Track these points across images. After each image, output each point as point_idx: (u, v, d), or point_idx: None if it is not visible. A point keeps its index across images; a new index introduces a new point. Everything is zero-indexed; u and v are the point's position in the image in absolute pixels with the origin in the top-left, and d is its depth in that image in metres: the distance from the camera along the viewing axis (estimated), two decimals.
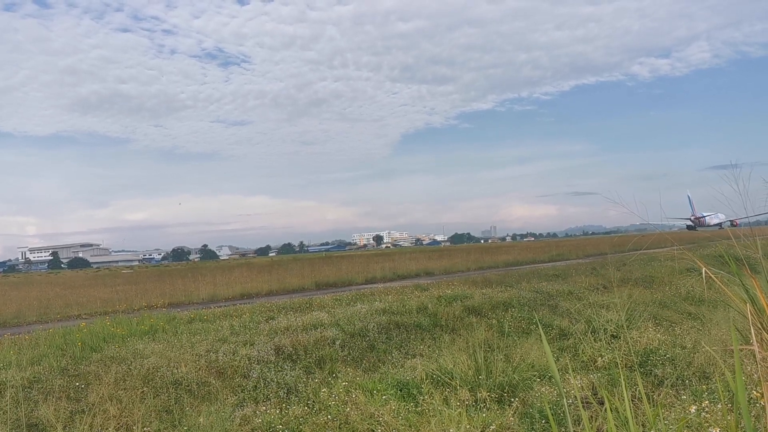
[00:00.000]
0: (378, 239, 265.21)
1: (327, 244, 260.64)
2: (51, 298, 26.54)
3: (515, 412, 7.77)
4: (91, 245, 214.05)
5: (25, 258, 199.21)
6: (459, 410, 7.51)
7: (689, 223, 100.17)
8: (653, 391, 7.83)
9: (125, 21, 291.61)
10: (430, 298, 17.41)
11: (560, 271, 26.98)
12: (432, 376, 9.34)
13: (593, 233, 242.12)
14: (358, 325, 13.37)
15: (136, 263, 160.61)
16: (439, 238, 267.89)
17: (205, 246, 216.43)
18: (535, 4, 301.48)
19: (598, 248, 51.94)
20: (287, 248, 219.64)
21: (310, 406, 8.55)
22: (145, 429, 7.95)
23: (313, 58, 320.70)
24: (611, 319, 12.36)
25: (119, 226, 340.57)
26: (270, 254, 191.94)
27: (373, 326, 13.35)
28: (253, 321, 14.96)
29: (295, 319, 14.48)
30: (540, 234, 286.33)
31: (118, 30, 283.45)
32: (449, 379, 9.05)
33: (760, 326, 4.18)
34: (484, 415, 7.59)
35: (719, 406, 5.65)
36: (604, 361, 10.05)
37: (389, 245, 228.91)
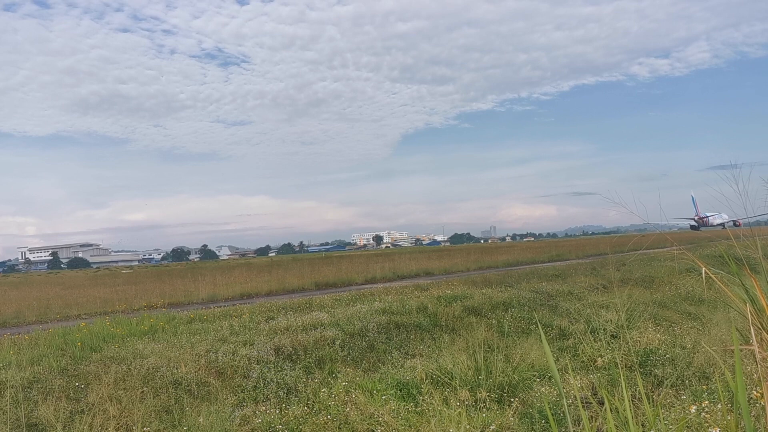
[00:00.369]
0: (378, 239, 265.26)
1: (327, 244, 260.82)
2: (51, 298, 26.54)
3: (515, 412, 7.77)
4: (91, 245, 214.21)
5: (25, 258, 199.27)
6: (459, 410, 7.51)
7: (693, 223, 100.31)
8: (653, 391, 7.84)
9: (125, 21, 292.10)
10: (430, 298, 17.41)
11: (560, 271, 26.98)
12: (432, 376, 9.33)
13: (593, 233, 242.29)
14: (358, 325, 13.36)
15: (136, 263, 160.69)
16: (438, 238, 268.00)
17: (204, 246, 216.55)
18: (534, 4, 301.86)
19: (598, 248, 51.95)
20: (287, 248, 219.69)
21: (310, 406, 8.55)
22: (144, 429, 7.94)
23: (313, 58, 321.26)
24: (611, 319, 12.36)
25: (119, 226, 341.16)
26: (270, 254, 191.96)
27: (373, 326, 13.35)
28: (252, 321, 14.95)
29: (295, 319, 14.47)
30: (540, 234, 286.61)
31: (118, 30, 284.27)
32: (449, 379, 9.05)
33: (759, 326, 4.18)
34: (484, 415, 7.59)
35: (719, 406, 5.65)
36: (603, 361, 10.05)
37: (389, 245, 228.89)
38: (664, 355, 9.78)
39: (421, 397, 8.35)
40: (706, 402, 6.14)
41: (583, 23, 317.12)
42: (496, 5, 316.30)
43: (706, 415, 5.60)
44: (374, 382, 9.57)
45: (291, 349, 11.61)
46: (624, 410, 3.55)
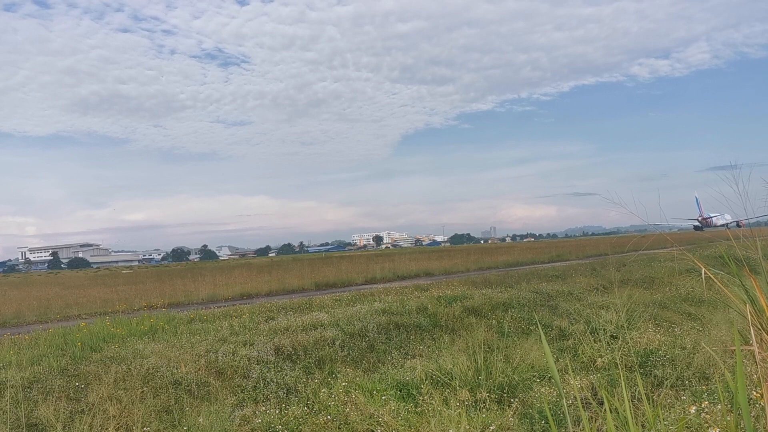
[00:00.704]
0: (378, 240, 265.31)
1: (327, 244, 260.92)
2: (51, 298, 26.54)
3: (515, 413, 7.77)
4: (91, 245, 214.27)
5: (25, 258, 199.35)
6: (459, 411, 7.51)
7: (697, 223, 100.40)
8: (653, 392, 7.84)
9: (125, 21, 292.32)
10: (430, 298, 17.40)
11: (560, 272, 26.96)
12: (432, 377, 9.33)
13: (593, 234, 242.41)
14: (358, 326, 13.36)
15: (136, 263, 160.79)
16: (438, 238, 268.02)
17: (204, 246, 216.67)
18: (534, 5, 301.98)
19: (598, 249, 51.94)
20: (287, 248, 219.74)
21: (310, 407, 8.55)
22: (144, 429, 7.95)
23: (313, 58, 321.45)
24: (611, 320, 12.35)
25: (119, 227, 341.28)
26: (270, 254, 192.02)
27: (373, 327, 13.35)
28: (252, 321, 14.95)
29: (295, 320, 14.47)
30: (540, 234, 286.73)
31: (118, 30, 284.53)
32: (449, 379, 9.05)
33: (759, 327, 4.18)
34: (483, 415, 7.59)
35: (719, 406, 5.65)
36: (603, 362, 10.05)
37: (389, 246, 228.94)
38: (664, 356, 9.78)
39: (421, 398, 8.35)
40: (706, 402, 6.15)
41: (583, 24, 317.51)
42: (496, 5, 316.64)
43: (706, 416, 5.61)
44: (374, 382, 9.57)
45: (291, 349, 11.61)
46: (624, 411, 3.55)
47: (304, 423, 7.86)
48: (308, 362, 11.04)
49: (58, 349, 12.09)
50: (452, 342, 12.20)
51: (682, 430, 5.26)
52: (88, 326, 14.67)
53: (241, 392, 9.58)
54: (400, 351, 12.16)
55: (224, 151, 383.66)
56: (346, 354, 11.71)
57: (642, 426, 4.78)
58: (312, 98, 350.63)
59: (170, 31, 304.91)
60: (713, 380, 7.67)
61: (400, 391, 9.12)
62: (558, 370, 8.65)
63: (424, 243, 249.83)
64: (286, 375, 10.16)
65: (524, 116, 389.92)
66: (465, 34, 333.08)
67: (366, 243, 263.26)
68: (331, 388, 9.22)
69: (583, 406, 3.91)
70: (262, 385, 9.77)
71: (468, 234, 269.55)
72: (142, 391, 9.04)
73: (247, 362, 10.72)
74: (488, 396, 8.38)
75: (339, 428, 7.72)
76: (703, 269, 4.50)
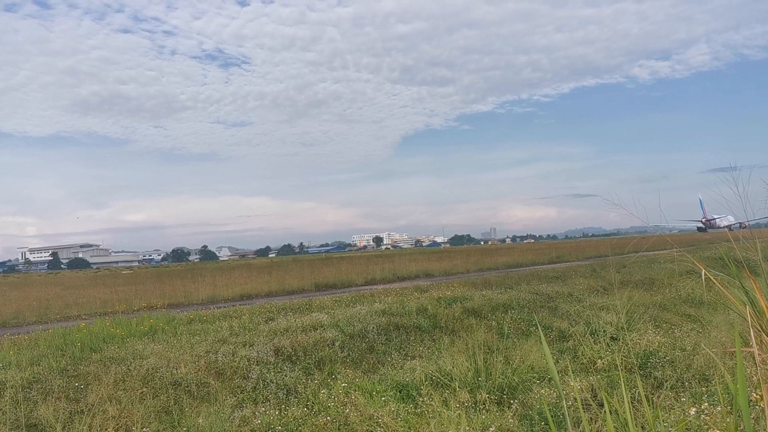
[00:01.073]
0: (378, 240, 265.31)
1: (327, 245, 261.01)
2: (50, 299, 26.54)
3: (515, 414, 7.76)
4: (91, 246, 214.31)
5: (25, 258, 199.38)
6: (458, 412, 7.51)
7: (700, 225, 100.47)
8: (653, 394, 7.83)
9: (126, 22, 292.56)
10: (430, 299, 17.39)
11: (560, 273, 26.96)
12: (431, 378, 9.33)
13: (593, 235, 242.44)
14: (358, 327, 13.35)
15: (136, 264, 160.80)
16: (439, 239, 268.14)
17: (204, 247, 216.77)
18: (534, 6, 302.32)
19: (598, 250, 51.97)
20: (287, 249, 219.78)
21: (310, 408, 8.55)
22: (144, 430, 7.94)
23: (313, 59, 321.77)
24: (611, 321, 12.35)
25: (119, 227, 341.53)
26: (270, 255, 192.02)
27: (373, 328, 13.34)
28: (252, 322, 14.94)
29: (295, 320, 14.46)
30: (540, 236, 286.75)
31: (119, 31, 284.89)
32: (449, 380, 9.05)
33: (759, 328, 4.18)
34: (483, 416, 7.58)
35: (719, 408, 5.65)
36: (603, 363, 10.04)
37: (389, 247, 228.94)
38: (664, 358, 9.77)
39: (421, 399, 8.35)
40: (706, 404, 6.15)
41: (583, 25, 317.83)
42: (496, 7, 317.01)
43: (706, 418, 5.61)
44: (374, 383, 9.56)
45: (291, 350, 11.60)
46: (624, 412, 3.55)
47: (303, 424, 7.86)
48: (308, 363, 11.04)
49: (58, 349, 12.09)
50: (452, 343, 12.19)
51: (681, 431, 5.26)
52: (88, 327, 14.66)
53: (241, 393, 9.57)
54: (399, 352, 12.16)
55: (224, 151, 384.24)
56: (345, 355, 11.71)
57: (642, 428, 4.78)
58: (312, 99, 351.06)
59: (171, 31, 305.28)
60: (713, 382, 7.67)
61: (400, 392, 9.12)
62: (558, 372, 8.65)
63: (424, 244, 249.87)
64: (285, 376, 10.15)
65: (524, 117, 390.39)
66: (465, 35, 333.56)
67: (366, 244, 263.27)
68: (330, 389, 9.21)
69: (582, 408, 3.91)
70: (261, 385, 9.76)
71: (468, 235, 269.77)
72: (142, 392, 9.03)
73: (247, 363, 10.72)
74: (488, 397, 8.38)
75: (338, 429, 7.71)
76: (703, 271, 4.50)
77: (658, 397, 7.35)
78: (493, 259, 47.57)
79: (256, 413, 8.39)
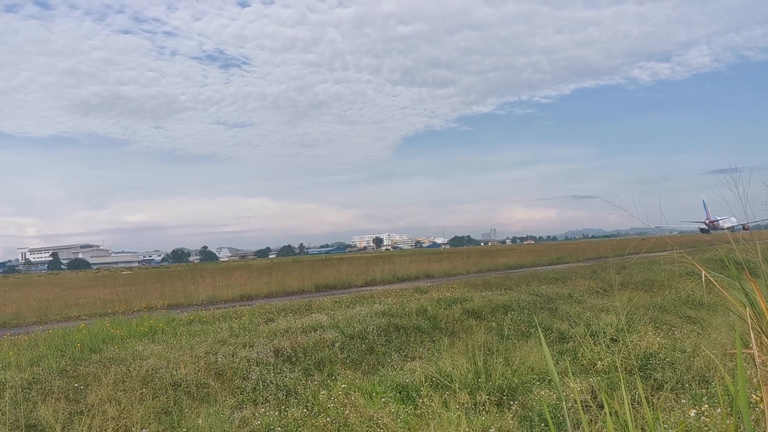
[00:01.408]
0: (378, 242, 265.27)
1: (327, 246, 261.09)
2: (50, 299, 26.55)
3: (514, 416, 7.75)
4: (91, 246, 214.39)
5: (25, 259, 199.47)
6: (458, 413, 7.50)
7: (704, 226, 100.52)
8: (653, 395, 7.82)
9: (126, 23, 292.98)
10: (430, 300, 17.39)
11: (560, 275, 26.95)
12: (431, 379, 9.32)
13: (593, 236, 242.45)
14: (358, 328, 13.35)
15: (136, 264, 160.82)
16: (439, 240, 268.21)
17: (204, 248, 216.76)
18: (535, 7, 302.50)
19: (598, 251, 51.97)
20: (287, 250, 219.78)
21: (309, 409, 8.54)
22: (143, 430, 7.93)
23: (314, 60, 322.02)
24: (611, 323, 12.33)
25: (119, 228, 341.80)
26: (270, 256, 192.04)
27: (373, 329, 13.34)
28: (252, 323, 14.94)
29: (295, 321, 14.47)
30: (540, 237, 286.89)
31: (119, 32, 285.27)
32: (448, 382, 9.04)
33: (759, 330, 4.18)
34: (483, 418, 7.58)
35: (719, 410, 5.65)
36: (603, 365, 10.04)
37: (389, 248, 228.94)
38: (664, 359, 9.77)
39: (421, 400, 8.34)
40: (706, 406, 6.15)
41: (583, 26, 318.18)
42: (496, 8, 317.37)
43: (706, 419, 5.61)
44: (373, 384, 9.56)
45: (290, 350, 11.60)
46: (624, 414, 3.55)
47: (303, 425, 7.85)
48: (308, 364, 11.03)
49: (58, 350, 12.09)
50: (452, 344, 12.18)
51: None
52: (88, 327, 14.67)
53: (241, 394, 9.56)
54: (399, 353, 12.15)
55: (225, 152, 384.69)
56: (345, 356, 11.70)
57: (642, 429, 4.78)
58: (313, 100, 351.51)
59: (171, 32, 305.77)
60: (713, 383, 7.66)
61: (400, 393, 9.11)
62: (558, 373, 8.64)
63: (424, 245, 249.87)
64: (285, 377, 10.15)
65: (525, 119, 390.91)
66: (465, 36, 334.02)
67: (366, 245, 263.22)
68: (330, 390, 9.21)
69: (582, 409, 3.90)
70: (261, 386, 9.75)
71: (468, 236, 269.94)
72: (142, 393, 9.03)
73: (247, 364, 10.71)
74: (488, 399, 8.37)
75: (338, 430, 7.70)
76: (703, 272, 4.50)
77: (658, 398, 7.35)
78: (493, 260, 47.57)
79: (256, 414, 8.39)
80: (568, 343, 12.18)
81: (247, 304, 21.65)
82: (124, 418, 8.16)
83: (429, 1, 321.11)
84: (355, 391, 8.99)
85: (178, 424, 8.16)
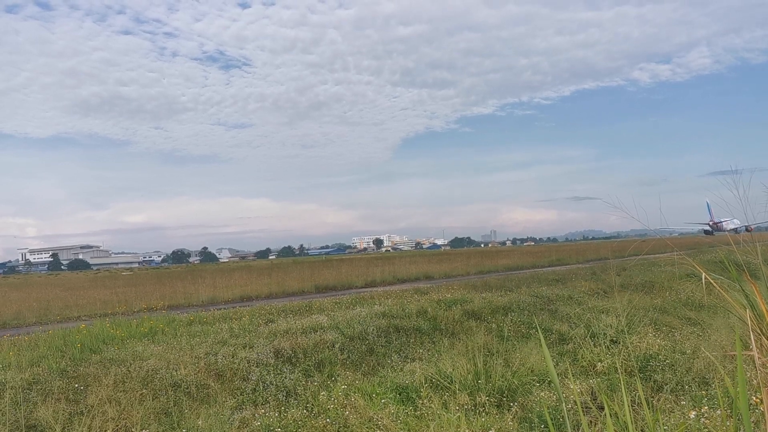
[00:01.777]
0: (378, 243, 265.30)
1: (327, 247, 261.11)
2: (51, 300, 26.55)
3: (514, 417, 7.75)
4: (91, 247, 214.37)
5: (25, 259, 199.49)
6: (458, 414, 7.50)
7: (707, 228, 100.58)
8: (653, 397, 7.82)
9: (127, 23, 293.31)
10: (430, 301, 17.38)
11: (560, 276, 26.95)
12: (431, 380, 9.32)
13: (593, 238, 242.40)
14: (358, 329, 13.34)
15: (136, 265, 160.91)
16: (439, 242, 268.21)
17: (204, 248, 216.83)
18: (535, 9, 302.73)
19: (598, 253, 51.90)
20: (287, 251, 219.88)
21: (309, 410, 8.54)
22: (143, 431, 7.94)
23: (314, 61, 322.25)
24: (611, 324, 12.34)
25: (119, 228, 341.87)
26: (270, 257, 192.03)
27: (373, 330, 13.33)
28: (252, 324, 14.94)
29: (295, 322, 14.46)
30: (540, 238, 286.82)
31: (120, 32, 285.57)
32: (448, 383, 9.04)
33: (759, 332, 4.18)
34: (483, 419, 7.58)
35: (719, 411, 5.65)
36: (603, 366, 10.04)
37: (389, 249, 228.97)
38: (664, 361, 9.76)
39: (421, 401, 8.34)
40: (706, 407, 6.15)
41: (584, 28, 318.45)
42: (497, 9, 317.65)
43: (706, 421, 5.61)
44: (373, 385, 9.56)
45: (290, 351, 11.59)
46: (623, 415, 3.55)
47: (303, 426, 7.85)
48: (308, 365, 11.03)
49: (58, 350, 12.08)
50: (452, 346, 12.18)
51: None
52: (88, 328, 14.66)
53: (241, 395, 9.56)
54: (399, 354, 12.15)
55: (225, 153, 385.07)
56: (345, 357, 11.70)
57: (642, 431, 4.78)
58: (313, 101, 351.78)
59: (172, 33, 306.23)
60: (713, 385, 7.66)
61: (400, 394, 9.11)
62: (558, 375, 8.64)
63: (424, 246, 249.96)
64: (285, 378, 10.15)
65: (525, 120, 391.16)
66: (466, 38, 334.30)
67: (366, 246, 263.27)
68: (330, 391, 9.21)
69: (582, 411, 3.90)
70: (261, 387, 9.75)
71: (468, 237, 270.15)
72: (142, 393, 9.03)
73: (247, 365, 10.71)
74: (488, 400, 8.37)
75: (338, 431, 7.70)
76: (703, 274, 4.50)
77: (658, 400, 7.35)
78: (493, 261, 47.54)
79: (256, 415, 8.39)
80: (568, 344, 12.18)
81: (247, 305, 21.65)
82: (124, 419, 8.17)
83: (429, 3, 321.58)
84: (355, 392, 8.99)
85: (177, 424, 8.16)
